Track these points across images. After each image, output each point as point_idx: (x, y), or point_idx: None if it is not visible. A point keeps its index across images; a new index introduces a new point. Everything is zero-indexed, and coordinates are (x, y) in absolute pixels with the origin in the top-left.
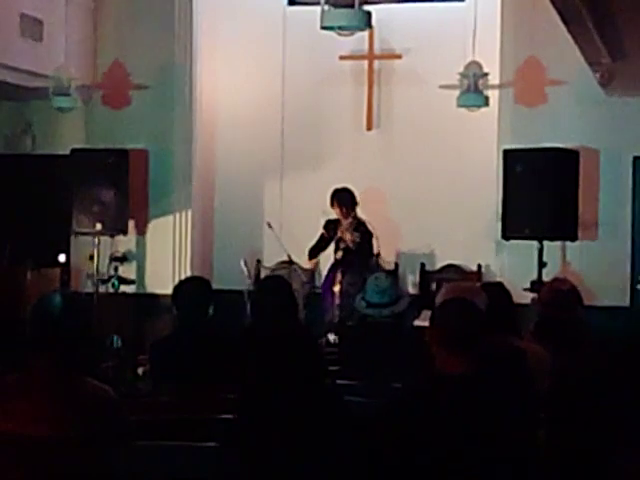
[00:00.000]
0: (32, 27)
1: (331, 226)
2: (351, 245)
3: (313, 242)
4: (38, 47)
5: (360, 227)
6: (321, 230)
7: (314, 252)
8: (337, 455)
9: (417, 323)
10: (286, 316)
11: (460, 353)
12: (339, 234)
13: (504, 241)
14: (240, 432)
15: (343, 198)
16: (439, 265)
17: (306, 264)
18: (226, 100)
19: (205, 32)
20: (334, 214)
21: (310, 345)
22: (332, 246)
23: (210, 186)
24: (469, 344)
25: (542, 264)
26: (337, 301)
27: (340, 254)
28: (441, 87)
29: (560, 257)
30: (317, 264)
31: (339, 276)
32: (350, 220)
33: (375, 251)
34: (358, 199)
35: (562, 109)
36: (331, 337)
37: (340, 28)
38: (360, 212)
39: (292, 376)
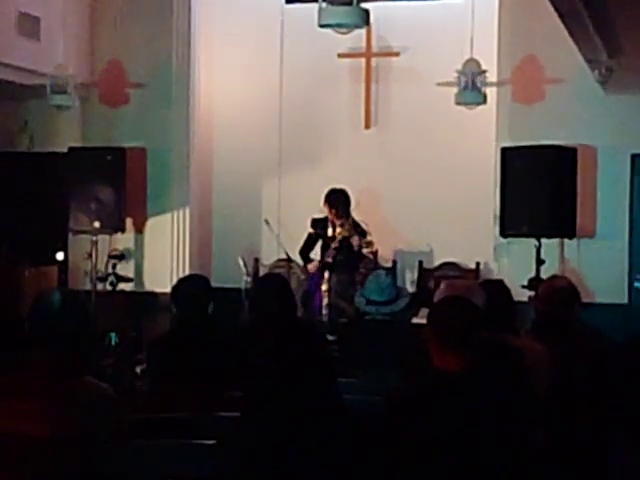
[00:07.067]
0: (30, 25)
1: (319, 224)
2: (356, 249)
3: (301, 244)
4: (36, 45)
5: (357, 228)
6: (309, 229)
7: (307, 253)
8: (337, 452)
9: (415, 321)
10: (285, 314)
11: (457, 351)
12: (336, 234)
13: (502, 239)
14: (245, 430)
15: (339, 199)
16: (437, 263)
17: (309, 268)
18: (224, 98)
19: (203, 30)
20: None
21: (320, 342)
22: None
23: (208, 184)
24: (466, 342)
25: (540, 262)
26: (325, 300)
27: (331, 253)
28: (439, 85)
29: (558, 254)
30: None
31: (327, 274)
32: (346, 221)
33: (373, 249)
34: (355, 198)
35: (560, 107)
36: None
37: (338, 26)
38: (358, 210)
39: (303, 373)
